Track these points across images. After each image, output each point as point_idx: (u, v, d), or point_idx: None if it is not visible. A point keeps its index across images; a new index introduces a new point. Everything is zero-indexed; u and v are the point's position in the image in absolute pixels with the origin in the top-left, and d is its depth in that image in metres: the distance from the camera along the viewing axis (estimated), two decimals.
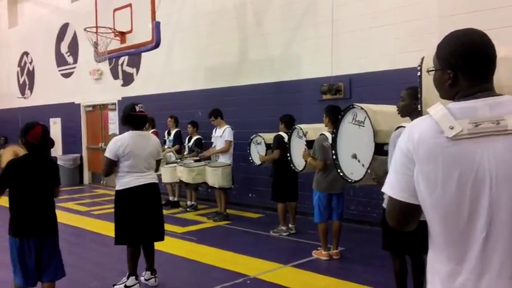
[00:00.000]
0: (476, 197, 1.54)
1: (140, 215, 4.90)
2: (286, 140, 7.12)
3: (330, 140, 5.31)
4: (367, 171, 4.29)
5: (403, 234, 3.95)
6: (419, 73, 3.05)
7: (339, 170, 4.80)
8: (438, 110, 1.61)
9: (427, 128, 1.60)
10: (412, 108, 3.91)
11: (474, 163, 1.54)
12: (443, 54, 1.71)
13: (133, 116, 5.02)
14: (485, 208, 1.54)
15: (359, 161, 4.52)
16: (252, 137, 8.33)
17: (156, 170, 5.29)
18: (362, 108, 4.54)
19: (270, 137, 7.88)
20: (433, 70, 1.78)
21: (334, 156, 4.88)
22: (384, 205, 4.08)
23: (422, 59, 3.13)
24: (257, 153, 8.12)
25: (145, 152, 5.01)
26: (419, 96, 3.06)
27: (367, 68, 7.76)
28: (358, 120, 4.60)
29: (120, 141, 4.91)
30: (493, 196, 1.53)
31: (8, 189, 3.94)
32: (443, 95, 1.77)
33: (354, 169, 4.61)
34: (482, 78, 1.66)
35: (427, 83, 2.89)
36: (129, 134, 4.99)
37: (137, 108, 5.03)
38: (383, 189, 1.75)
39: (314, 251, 6.22)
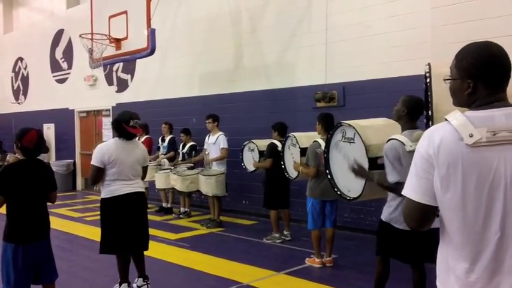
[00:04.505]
0: (492, 200, 1.66)
1: (125, 225, 4.84)
2: (279, 148, 7.12)
3: (323, 147, 5.31)
4: (365, 185, 4.29)
5: (403, 244, 3.96)
6: (428, 80, 3.00)
7: (335, 189, 4.79)
8: (457, 117, 1.71)
9: (447, 134, 1.71)
10: (400, 114, 3.96)
11: (491, 169, 1.65)
12: (463, 64, 1.79)
13: (125, 130, 4.90)
14: (499, 211, 1.66)
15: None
16: (245, 143, 8.33)
17: (144, 177, 5.19)
18: (350, 125, 4.54)
19: (263, 143, 7.88)
20: (451, 79, 1.86)
21: (329, 176, 4.86)
22: (383, 218, 4.08)
23: (429, 65, 3.04)
24: (252, 159, 8.10)
25: (131, 158, 4.91)
26: (429, 101, 3.01)
27: (360, 76, 7.81)
28: (348, 137, 4.59)
29: (105, 148, 4.85)
30: (507, 200, 1.66)
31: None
32: (460, 103, 1.85)
33: (351, 186, 4.59)
34: (499, 88, 1.77)
35: (437, 89, 2.83)
36: (114, 141, 4.93)
37: (131, 123, 4.90)
38: (403, 193, 1.84)
39: (307, 259, 6.22)
